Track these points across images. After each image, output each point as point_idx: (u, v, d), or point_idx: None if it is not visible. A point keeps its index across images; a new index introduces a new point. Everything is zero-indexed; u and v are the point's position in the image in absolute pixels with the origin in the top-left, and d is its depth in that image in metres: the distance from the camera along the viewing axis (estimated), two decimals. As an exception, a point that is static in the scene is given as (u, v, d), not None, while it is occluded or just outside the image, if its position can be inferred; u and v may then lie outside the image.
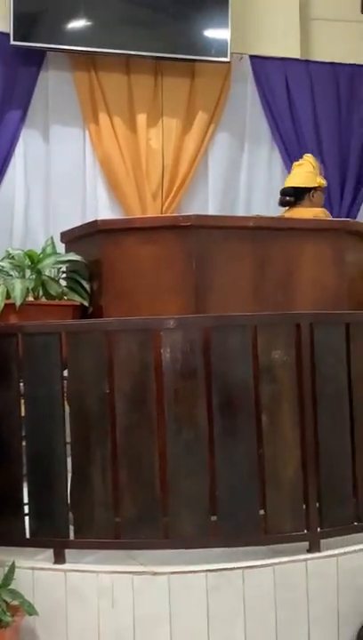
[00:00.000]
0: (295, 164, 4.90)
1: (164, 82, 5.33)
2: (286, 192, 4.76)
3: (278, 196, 4.84)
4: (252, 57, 5.57)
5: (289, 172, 5.37)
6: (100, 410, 2.76)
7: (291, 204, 4.70)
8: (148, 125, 5.28)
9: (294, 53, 5.66)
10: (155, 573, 2.66)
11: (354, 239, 3.52)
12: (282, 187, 4.83)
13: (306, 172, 4.78)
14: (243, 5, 5.44)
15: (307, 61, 5.69)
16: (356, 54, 5.87)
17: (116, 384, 2.74)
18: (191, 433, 2.74)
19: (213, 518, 2.76)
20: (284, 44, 5.65)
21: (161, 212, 5.20)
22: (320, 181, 4.77)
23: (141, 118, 5.27)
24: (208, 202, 5.44)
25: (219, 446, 2.75)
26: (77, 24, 5.08)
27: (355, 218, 5.52)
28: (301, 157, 5.39)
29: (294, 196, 4.70)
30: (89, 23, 5.09)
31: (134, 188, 5.20)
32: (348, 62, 5.77)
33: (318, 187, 4.74)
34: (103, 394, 2.75)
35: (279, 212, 4.74)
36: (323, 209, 4.68)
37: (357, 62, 5.81)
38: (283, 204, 4.75)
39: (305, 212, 4.50)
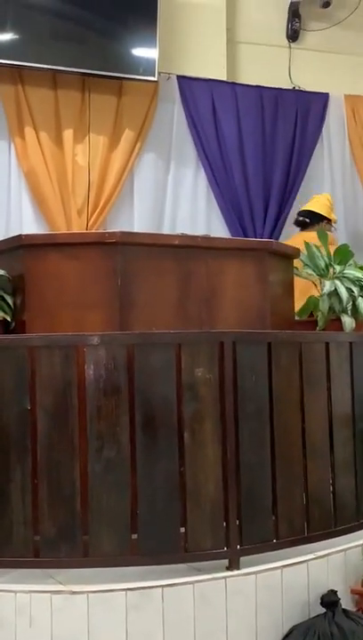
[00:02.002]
0: (316, 195, 5.50)
1: (91, 98, 5.33)
2: (303, 214, 5.30)
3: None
4: (179, 77, 5.62)
5: (214, 191, 5.52)
6: (21, 426, 2.71)
7: (305, 226, 5.22)
8: (74, 141, 5.27)
9: (221, 75, 5.74)
10: (73, 592, 2.63)
11: (277, 259, 3.58)
12: (300, 209, 5.42)
13: (325, 204, 5.33)
14: (171, 26, 5.49)
15: (233, 83, 5.77)
16: (280, 78, 5.99)
17: (38, 400, 2.71)
18: (113, 450, 2.72)
19: (134, 536, 2.75)
20: (211, 66, 5.73)
21: (86, 228, 5.19)
22: (334, 217, 5.36)
23: (68, 134, 5.25)
24: (134, 219, 5.45)
25: (140, 464, 2.74)
26: (4, 37, 5.03)
27: (278, 238, 5.61)
28: (226, 177, 5.53)
29: (309, 220, 5.21)
30: (16, 36, 5.05)
31: (60, 204, 5.17)
32: (273, 86, 5.88)
33: (331, 220, 5.31)
34: (24, 410, 2.71)
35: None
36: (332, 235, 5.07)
37: (281, 86, 5.93)
38: (298, 223, 5.29)
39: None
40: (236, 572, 2.80)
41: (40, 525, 2.70)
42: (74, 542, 2.71)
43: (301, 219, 5.33)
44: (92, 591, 2.63)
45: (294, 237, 5.11)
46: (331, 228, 5.30)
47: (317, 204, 5.37)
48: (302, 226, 5.30)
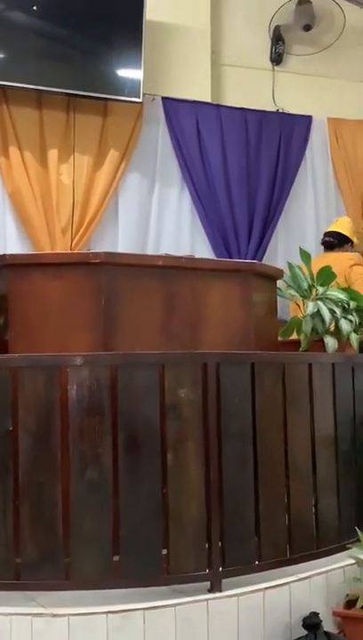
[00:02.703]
0: (338, 218, 5.67)
1: (76, 118, 5.34)
2: (330, 235, 5.44)
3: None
4: (164, 98, 5.65)
5: (198, 212, 5.55)
6: (3, 447, 2.70)
7: (332, 247, 5.37)
8: (59, 161, 5.27)
9: (206, 97, 5.78)
10: (55, 615, 2.60)
11: (261, 280, 3.60)
12: (326, 230, 5.55)
13: (348, 227, 5.49)
14: (156, 47, 5.53)
15: (218, 105, 5.81)
16: (264, 101, 6.04)
17: (20, 421, 2.70)
18: (95, 472, 2.71)
19: (116, 558, 2.74)
20: (195, 88, 5.76)
21: (70, 248, 5.18)
22: (357, 240, 5.51)
23: (53, 153, 5.26)
24: (118, 239, 5.45)
25: (123, 485, 2.73)
26: (-11, 57, 5.05)
27: (261, 258, 5.63)
28: (210, 197, 5.56)
29: (337, 241, 5.37)
30: (1, 56, 5.07)
31: (44, 223, 5.17)
32: (257, 108, 5.93)
33: (355, 244, 5.49)
34: (6, 431, 2.70)
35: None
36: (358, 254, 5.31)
37: (265, 109, 5.98)
38: (326, 244, 5.42)
39: (342, 255, 5.25)
40: (218, 595, 2.79)
41: (21, 547, 2.68)
42: (55, 564, 2.69)
43: (328, 239, 5.43)
44: (73, 614, 2.61)
45: (319, 257, 5.14)
46: (354, 249, 5.47)
47: (342, 227, 5.48)
48: (330, 247, 5.40)
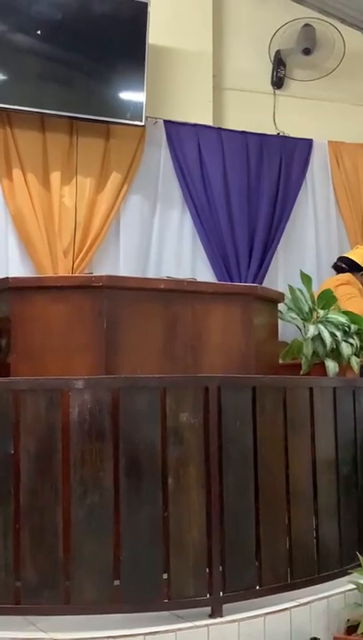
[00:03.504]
0: (360, 245, 5.78)
1: (79, 141, 5.37)
2: (342, 260, 5.55)
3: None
4: (166, 121, 5.69)
5: (200, 234, 5.59)
6: (4, 471, 2.70)
7: (342, 271, 5.44)
8: (61, 183, 5.30)
9: (207, 120, 5.82)
10: (55, 640, 2.60)
11: (262, 304, 3.61)
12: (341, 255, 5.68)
13: None
14: (159, 71, 5.57)
15: (219, 129, 5.85)
16: (265, 124, 6.08)
17: (22, 445, 2.70)
18: (96, 496, 2.71)
19: (116, 582, 2.73)
20: (197, 111, 5.80)
21: (72, 270, 5.20)
22: None
23: (55, 176, 5.29)
24: (119, 260, 5.46)
25: (124, 509, 2.73)
26: (-7, 79, 5.09)
27: (262, 281, 5.64)
28: (211, 220, 5.60)
29: (347, 267, 5.43)
30: (4, 78, 5.10)
31: (46, 245, 5.19)
32: (258, 132, 5.97)
33: None
34: (7, 454, 2.70)
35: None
36: (352, 279, 5.34)
37: (266, 132, 6.02)
38: (336, 268, 5.54)
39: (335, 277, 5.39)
40: (218, 620, 2.79)
41: (21, 571, 2.68)
42: (56, 589, 2.68)
43: (338, 264, 5.54)
44: (73, 639, 2.60)
45: (327, 281, 5.33)
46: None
47: (358, 254, 5.55)
48: (338, 271, 5.49)
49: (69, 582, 2.69)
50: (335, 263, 5.60)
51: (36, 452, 2.70)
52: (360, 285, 5.37)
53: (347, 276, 5.38)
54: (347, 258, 5.57)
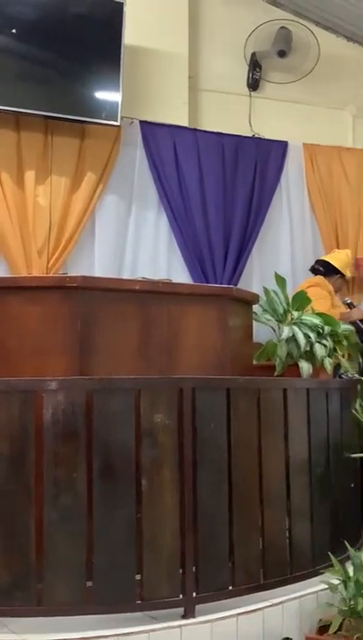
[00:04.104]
0: (337, 249, 5.89)
1: (54, 141, 5.36)
2: (319, 263, 5.64)
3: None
4: (142, 122, 5.69)
5: (175, 235, 5.60)
6: (-23, 472, 2.68)
7: (317, 273, 5.53)
8: (36, 183, 5.27)
9: (183, 121, 5.82)
10: (27, 642, 2.59)
11: (237, 305, 3.62)
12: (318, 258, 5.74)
13: (342, 260, 5.64)
14: (134, 71, 5.57)
15: (195, 130, 5.85)
16: (241, 126, 6.09)
17: (-5, 446, 2.69)
18: (70, 497, 2.70)
19: (89, 584, 2.72)
20: (173, 112, 5.80)
21: (47, 270, 5.18)
22: (347, 272, 5.69)
23: (30, 175, 5.26)
24: (94, 261, 5.45)
25: (97, 511, 2.72)
26: (-32, 78, 5.06)
27: (237, 282, 5.66)
28: (187, 221, 5.60)
29: (323, 269, 5.53)
30: (-21, 78, 5.08)
31: (20, 244, 5.16)
32: (233, 133, 5.98)
33: (344, 276, 5.65)
34: (-19, 455, 2.68)
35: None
36: (322, 282, 5.42)
37: (242, 134, 6.03)
38: (312, 270, 5.61)
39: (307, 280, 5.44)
40: (191, 621, 2.79)
41: (-6, 573, 2.66)
42: (28, 591, 2.67)
43: (315, 267, 5.62)
44: (46, 641, 2.59)
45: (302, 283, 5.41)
46: (342, 283, 5.68)
47: (334, 258, 5.64)
48: (315, 273, 5.57)
49: (42, 584, 2.68)
50: (313, 265, 5.65)
51: (9, 454, 2.69)
52: (331, 288, 5.42)
53: (318, 278, 5.44)
54: (324, 261, 5.62)
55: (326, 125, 6.38)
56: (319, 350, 3.69)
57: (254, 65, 6.16)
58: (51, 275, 4.98)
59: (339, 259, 5.64)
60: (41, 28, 5.18)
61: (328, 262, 5.59)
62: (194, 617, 2.80)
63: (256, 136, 6.09)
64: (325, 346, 3.74)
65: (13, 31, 5.12)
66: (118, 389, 2.81)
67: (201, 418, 2.89)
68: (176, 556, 2.81)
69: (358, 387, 4.00)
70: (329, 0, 6.06)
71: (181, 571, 2.82)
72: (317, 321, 3.78)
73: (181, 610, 2.82)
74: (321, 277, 5.44)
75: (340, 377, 4.09)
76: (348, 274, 5.70)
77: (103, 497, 2.73)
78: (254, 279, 5.82)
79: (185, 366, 3.27)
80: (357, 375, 4.14)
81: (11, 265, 5.15)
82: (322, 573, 3.18)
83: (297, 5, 6.20)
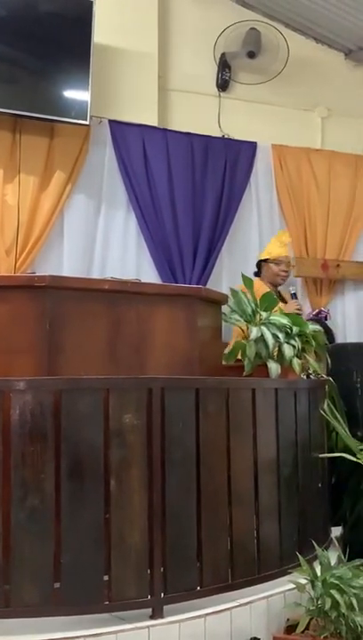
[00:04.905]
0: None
1: (22, 139, 5.32)
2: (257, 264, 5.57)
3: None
4: (111, 121, 5.67)
5: (144, 234, 5.60)
6: None
7: (257, 276, 5.48)
8: (4, 181, 5.24)
9: (152, 121, 5.82)
10: (-6, 645, 2.57)
11: (206, 305, 3.63)
12: None
13: (269, 245, 5.63)
14: (104, 70, 5.55)
15: (164, 130, 5.85)
16: (210, 126, 6.10)
17: None
18: (37, 498, 2.69)
19: (57, 585, 2.71)
20: (142, 112, 5.79)
21: (14, 269, 5.14)
22: (278, 252, 5.55)
23: (-2, 173, 5.24)
24: (63, 260, 5.42)
25: (65, 512, 2.71)
26: None
27: (206, 283, 5.66)
28: (156, 221, 5.60)
29: (257, 269, 5.55)
30: None
31: (-13, 243, 5.13)
32: (203, 133, 5.99)
33: (269, 259, 5.54)
34: None
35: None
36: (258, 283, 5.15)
37: (211, 134, 6.04)
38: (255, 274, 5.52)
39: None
40: (159, 621, 2.79)
41: None
42: (-5, 592, 2.65)
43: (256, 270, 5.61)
44: (12, 643, 2.57)
45: None
46: (270, 268, 5.55)
47: (264, 250, 5.61)
48: (256, 276, 5.52)
49: (9, 586, 2.66)
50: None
51: (-25, 455, 2.66)
52: (265, 287, 5.28)
53: (257, 280, 5.27)
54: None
55: (295, 127, 6.41)
56: (288, 351, 3.71)
57: (224, 65, 6.17)
58: (19, 274, 4.94)
59: (266, 248, 5.64)
60: (10, 25, 5.14)
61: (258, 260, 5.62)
62: (162, 617, 2.80)
63: (225, 136, 6.11)
64: (293, 346, 3.76)
65: (-18, 28, 5.08)
66: (87, 389, 2.80)
67: (170, 418, 2.89)
68: (144, 557, 2.81)
69: (326, 387, 4.03)
70: (299, 2, 6.08)
71: (148, 571, 2.82)
72: (285, 321, 3.80)
73: (150, 610, 2.81)
74: (256, 280, 5.21)
75: (308, 377, 4.11)
76: (280, 253, 5.60)
77: (71, 497, 2.72)
78: (224, 279, 5.83)
79: (154, 366, 3.27)
80: (324, 375, 4.17)
81: (-22, 264, 5.10)
82: (290, 573, 3.20)
83: (267, 7, 6.23)
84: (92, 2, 5.27)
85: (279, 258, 5.58)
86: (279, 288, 5.60)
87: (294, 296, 5.38)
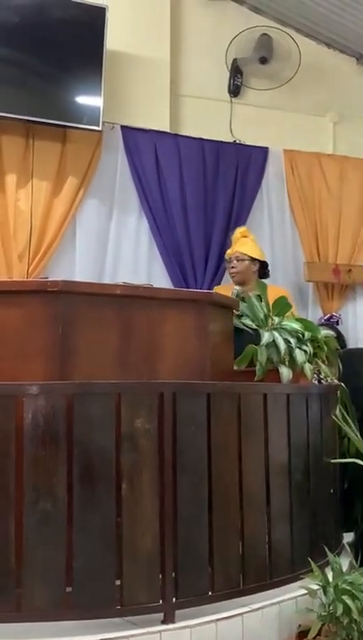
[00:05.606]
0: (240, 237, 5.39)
1: (35, 145, 5.36)
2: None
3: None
4: (123, 127, 5.70)
5: (156, 240, 5.60)
6: None
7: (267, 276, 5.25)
8: (17, 187, 5.28)
9: (164, 127, 5.85)
10: (5, 648, 2.57)
11: (217, 310, 3.62)
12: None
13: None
14: (116, 76, 5.58)
15: (176, 135, 5.88)
16: (222, 132, 6.13)
17: (-26, 450, 2.67)
18: (49, 502, 2.69)
19: (68, 589, 2.71)
20: (154, 117, 5.83)
21: (27, 274, 5.17)
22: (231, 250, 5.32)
23: (11, 179, 5.26)
24: (75, 265, 5.46)
25: (77, 516, 2.71)
26: None
27: (217, 288, 5.67)
28: (168, 226, 5.61)
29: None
30: None
31: (0, 248, 5.16)
32: (214, 139, 6.01)
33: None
34: None
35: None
36: None
37: (222, 139, 6.06)
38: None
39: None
40: (171, 626, 2.78)
41: (-28, 578, 2.64)
42: (7, 596, 2.65)
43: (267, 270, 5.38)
44: (24, 647, 2.58)
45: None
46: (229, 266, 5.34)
47: (254, 250, 5.34)
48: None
49: (21, 589, 2.66)
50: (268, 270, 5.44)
51: (-12, 458, 2.67)
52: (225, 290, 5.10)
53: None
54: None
55: (306, 132, 6.43)
56: (299, 356, 3.70)
57: (236, 71, 6.20)
58: (32, 279, 4.97)
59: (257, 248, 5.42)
60: (23, 32, 5.19)
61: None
62: (174, 622, 2.79)
63: (237, 142, 6.13)
64: (305, 351, 3.76)
65: (-5, 35, 5.12)
66: (99, 394, 2.80)
67: (181, 422, 2.89)
68: (156, 561, 2.81)
69: (338, 392, 4.02)
70: (310, 7, 6.10)
71: (160, 576, 2.81)
72: (297, 326, 3.80)
73: (161, 615, 2.81)
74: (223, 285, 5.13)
75: (319, 382, 4.10)
76: (227, 252, 5.40)
77: (83, 501, 2.72)
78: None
79: (165, 371, 3.27)
80: (336, 381, 4.16)
81: (-9, 269, 5.14)
82: (302, 579, 3.19)
83: (278, 12, 6.25)
84: (104, 8, 5.31)
85: (226, 257, 5.42)
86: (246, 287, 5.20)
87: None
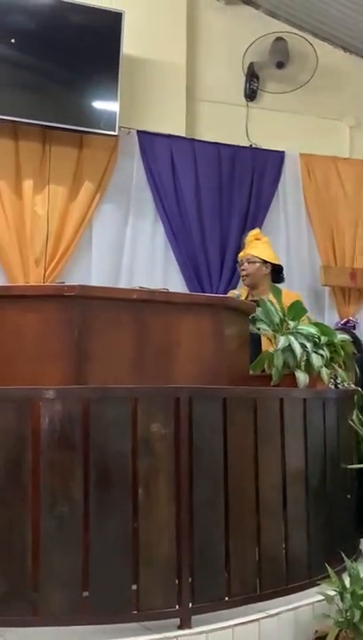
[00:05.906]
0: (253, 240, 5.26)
1: (52, 150, 5.38)
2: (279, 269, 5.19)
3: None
4: (139, 132, 5.72)
5: (172, 244, 5.59)
6: (-27, 481, 2.68)
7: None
8: (34, 192, 5.30)
9: (180, 131, 5.86)
10: (22, 652, 2.58)
11: (233, 314, 3.62)
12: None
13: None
14: (132, 81, 5.60)
15: (192, 140, 5.88)
16: (238, 136, 6.13)
17: (-9, 454, 2.68)
18: (66, 506, 2.70)
19: (85, 594, 2.71)
20: (170, 122, 5.84)
21: (44, 278, 5.19)
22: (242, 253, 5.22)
23: (28, 184, 5.28)
24: (91, 270, 5.47)
25: (93, 520, 2.71)
26: (-34, 87, 5.08)
27: (233, 292, 5.66)
28: (184, 230, 5.61)
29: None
30: (-23, 86, 5.10)
31: (17, 253, 5.18)
32: (230, 143, 6.01)
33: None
34: (-24, 464, 2.68)
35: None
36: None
37: (239, 144, 6.06)
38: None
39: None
40: (187, 632, 2.77)
41: (-11, 583, 2.65)
42: (24, 600, 2.66)
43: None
44: (41, 651, 2.58)
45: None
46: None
47: (266, 252, 5.25)
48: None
49: (38, 593, 2.67)
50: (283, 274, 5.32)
51: (4, 463, 2.68)
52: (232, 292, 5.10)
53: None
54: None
55: (323, 136, 6.42)
56: (316, 360, 3.69)
57: (252, 75, 6.20)
58: (48, 284, 4.98)
59: (269, 250, 5.29)
60: (40, 37, 5.21)
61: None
62: (190, 628, 2.79)
63: (253, 146, 6.13)
64: (321, 356, 3.74)
65: (12, 41, 5.15)
66: (115, 398, 2.80)
67: (198, 427, 2.89)
68: (172, 566, 2.80)
69: (355, 397, 4.00)
70: (327, 11, 6.09)
71: (176, 581, 2.81)
72: (313, 330, 3.78)
73: (177, 621, 2.80)
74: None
75: (336, 387, 4.09)
76: (239, 256, 5.31)
77: (99, 506, 2.73)
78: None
79: (181, 375, 3.26)
80: (353, 385, 4.14)
81: (8, 274, 5.16)
82: (318, 584, 3.17)
83: (295, 17, 6.24)
84: (121, 13, 5.32)
85: (238, 259, 5.33)
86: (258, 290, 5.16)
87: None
